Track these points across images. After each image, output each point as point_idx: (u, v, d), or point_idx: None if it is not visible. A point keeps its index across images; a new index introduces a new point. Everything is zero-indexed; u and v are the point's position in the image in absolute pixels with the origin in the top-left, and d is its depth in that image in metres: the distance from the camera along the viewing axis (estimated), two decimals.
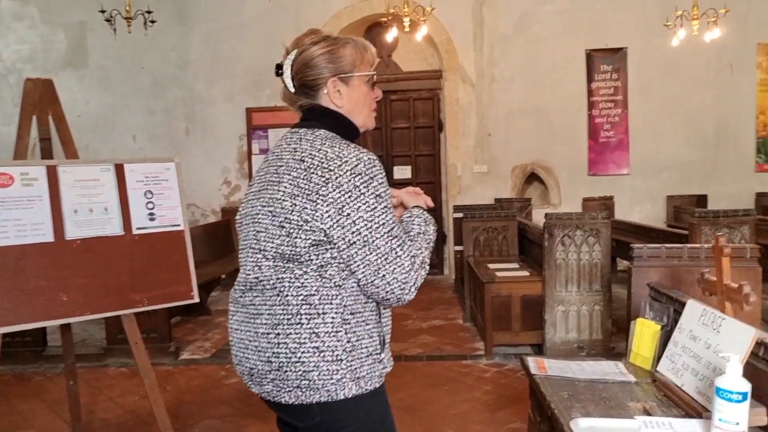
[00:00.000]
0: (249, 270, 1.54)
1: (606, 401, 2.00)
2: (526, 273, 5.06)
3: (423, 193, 1.70)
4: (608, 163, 8.19)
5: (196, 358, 5.08)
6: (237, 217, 1.65)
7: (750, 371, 1.82)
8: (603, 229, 4.56)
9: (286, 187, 1.46)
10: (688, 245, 2.72)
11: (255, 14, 8.40)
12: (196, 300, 3.13)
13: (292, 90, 1.59)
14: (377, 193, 1.44)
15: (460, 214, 6.48)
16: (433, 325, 5.90)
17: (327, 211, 1.41)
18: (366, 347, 1.49)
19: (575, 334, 4.63)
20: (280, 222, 1.46)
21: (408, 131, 8.71)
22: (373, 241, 1.42)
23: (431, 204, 1.68)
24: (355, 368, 1.46)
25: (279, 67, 1.59)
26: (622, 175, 8.20)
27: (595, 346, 4.61)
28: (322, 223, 1.42)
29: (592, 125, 8.18)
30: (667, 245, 2.72)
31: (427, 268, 1.52)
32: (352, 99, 1.59)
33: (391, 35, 7.14)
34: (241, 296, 1.57)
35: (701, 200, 7.92)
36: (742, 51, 8.00)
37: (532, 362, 2.38)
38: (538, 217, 7.34)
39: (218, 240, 7.65)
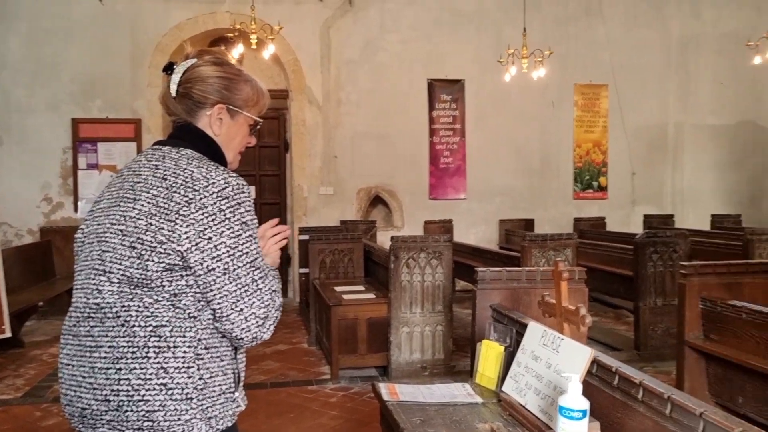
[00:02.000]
0: (89, 294, 1.36)
1: (456, 424, 2.03)
2: (372, 295, 5.10)
3: (283, 230, 1.56)
4: (447, 188, 8.61)
5: (5, 399, 4.45)
6: (78, 235, 1.47)
7: (584, 387, 1.93)
8: (445, 251, 4.73)
9: (143, 205, 1.34)
10: (527, 268, 2.89)
11: (85, 17, 7.73)
12: (8, 335, 2.73)
13: (173, 94, 1.48)
14: (243, 220, 1.35)
15: (306, 236, 6.40)
16: (277, 350, 5.73)
17: (186, 233, 1.30)
18: (219, 385, 1.38)
19: (419, 355, 4.74)
20: (132, 242, 1.32)
21: (252, 150, 8.49)
22: (234, 270, 1.33)
23: (287, 234, 1.58)
24: (206, 407, 1.34)
25: (170, 66, 1.49)
26: (460, 200, 8.66)
27: (437, 365, 4.74)
28: (179, 245, 1.30)
29: (433, 151, 8.56)
30: (507, 268, 2.86)
31: (280, 312, 1.44)
32: (230, 133, 1.52)
33: (237, 51, 6.94)
34: (75, 325, 1.38)
35: (529, 224, 8.58)
36: (563, 90, 8.86)
37: (384, 388, 2.36)
38: (382, 239, 7.49)
39: (35, 263, 6.85)
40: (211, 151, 1.48)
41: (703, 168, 9.35)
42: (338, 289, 5.35)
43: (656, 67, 9.13)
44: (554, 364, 1.98)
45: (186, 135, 1.48)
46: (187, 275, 1.32)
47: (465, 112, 8.59)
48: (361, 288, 5.47)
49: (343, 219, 7.97)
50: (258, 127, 1.59)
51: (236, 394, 1.43)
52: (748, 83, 9.24)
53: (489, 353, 2.41)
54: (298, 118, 8.25)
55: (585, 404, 1.65)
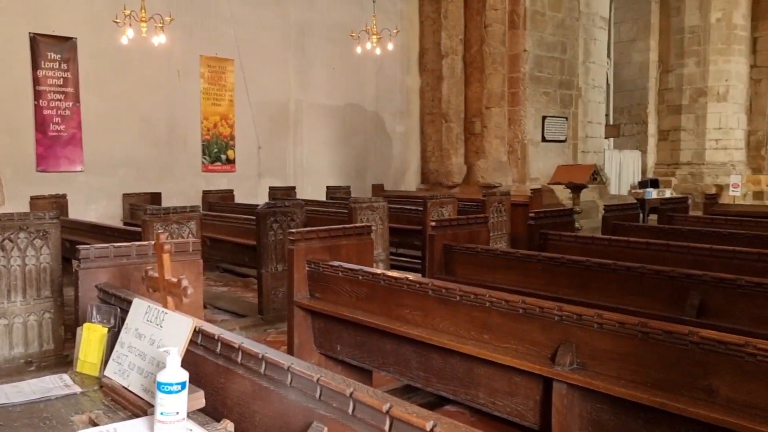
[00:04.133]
0: None
1: (47, 421, 1.81)
2: None
3: None
4: (60, 159, 7.67)
5: None
6: None
7: (190, 359, 1.93)
8: (52, 230, 4.21)
9: None
10: (137, 243, 2.74)
11: None
12: None
13: None
14: None
15: None
16: None
17: None
18: None
19: (22, 349, 4.14)
20: None
21: None
22: None
23: None
24: None
25: None
26: (76, 172, 7.81)
27: (47, 357, 4.22)
28: None
29: (40, 117, 7.50)
30: (115, 244, 2.67)
31: None
32: None
33: None
34: None
35: (156, 197, 8.24)
36: (189, 60, 8.69)
37: None
38: None
39: None
40: None
41: (320, 144, 10.32)
42: None
43: (278, 47, 9.65)
44: (158, 339, 1.92)
45: None
46: None
47: (79, 75, 7.74)
48: None
49: None
50: None
51: None
52: (353, 70, 10.49)
53: (91, 337, 2.22)
54: None
55: (183, 376, 1.63)
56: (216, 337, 1.88)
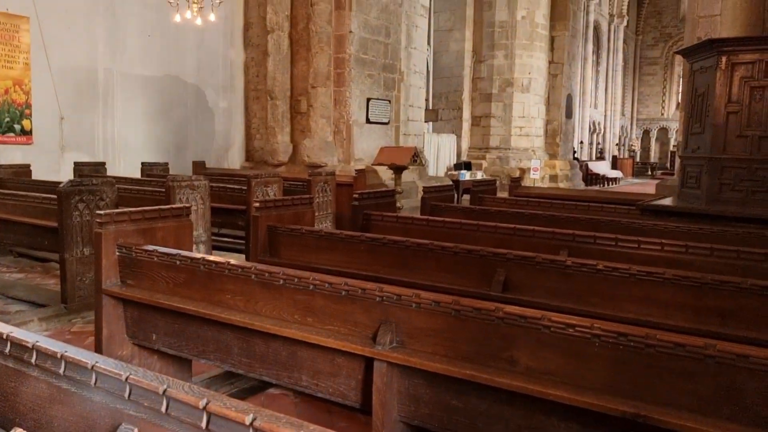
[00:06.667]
0: None
1: None
2: None
3: None
4: None
5: None
6: None
7: None
8: None
9: None
10: None
11: None
12: None
13: None
14: None
15: None
16: None
17: None
18: None
19: None
20: None
21: None
22: None
23: None
24: None
25: None
26: None
27: None
28: None
29: None
30: None
31: None
32: None
33: None
34: None
35: None
36: None
37: None
38: None
39: None
40: None
41: (134, 117, 9.57)
42: None
43: (83, 7, 8.72)
44: None
45: None
46: None
47: None
48: None
49: None
50: None
51: None
52: (172, 39, 9.85)
53: None
54: None
55: None
56: (4, 336, 1.66)
